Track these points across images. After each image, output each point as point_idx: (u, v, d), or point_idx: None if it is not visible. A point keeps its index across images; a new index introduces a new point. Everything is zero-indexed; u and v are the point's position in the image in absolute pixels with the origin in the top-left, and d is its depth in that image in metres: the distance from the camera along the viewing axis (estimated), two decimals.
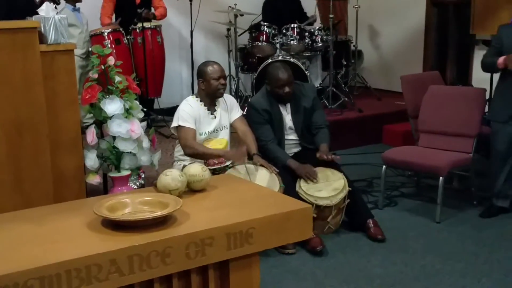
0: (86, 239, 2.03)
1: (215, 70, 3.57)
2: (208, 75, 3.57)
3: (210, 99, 3.64)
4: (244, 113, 4.01)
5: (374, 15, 7.30)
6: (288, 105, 3.94)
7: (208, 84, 3.58)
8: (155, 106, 5.87)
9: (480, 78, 5.34)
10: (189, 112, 3.56)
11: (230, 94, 6.14)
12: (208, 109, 3.65)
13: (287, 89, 3.80)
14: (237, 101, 5.83)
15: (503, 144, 3.93)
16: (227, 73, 6.22)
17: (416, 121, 4.45)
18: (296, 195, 3.55)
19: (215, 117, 3.67)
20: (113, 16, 5.64)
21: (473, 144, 4.13)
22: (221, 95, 3.64)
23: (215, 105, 3.68)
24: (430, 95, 4.38)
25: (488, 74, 5.14)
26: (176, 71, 6.60)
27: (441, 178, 3.94)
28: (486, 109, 4.34)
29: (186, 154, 3.55)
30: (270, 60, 5.72)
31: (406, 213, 4.17)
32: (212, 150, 3.52)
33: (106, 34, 5.29)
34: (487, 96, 4.59)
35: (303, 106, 3.93)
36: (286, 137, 3.94)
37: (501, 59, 3.82)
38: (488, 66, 3.99)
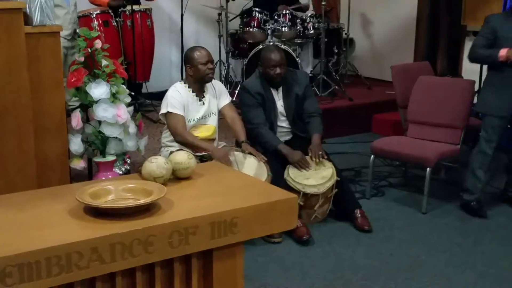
0: (68, 226, 2.00)
1: (202, 55, 3.52)
2: (195, 60, 3.53)
3: (198, 85, 3.60)
4: (234, 99, 3.98)
5: (367, 3, 7.27)
6: (280, 91, 3.91)
7: (196, 69, 3.54)
8: (143, 90, 5.81)
9: (470, 69, 5.34)
10: (177, 98, 3.52)
11: (220, 79, 6.11)
12: (197, 95, 3.61)
13: (278, 70, 3.77)
14: (227, 87, 5.85)
15: (495, 137, 3.85)
16: (217, 58, 6.19)
17: (405, 111, 4.45)
18: (284, 183, 3.54)
19: (203, 103, 3.63)
20: None
21: (461, 135, 4.13)
22: (210, 80, 3.61)
23: (204, 91, 3.64)
24: (419, 86, 4.37)
25: (478, 66, 5.13)
26: (166, 55, 6.54)
27: (428, 169, 3.94)
28: (475, 101, 4.33)
29: (176, 141, 3.52)
30: (261, 46, 5.68)
31: (393, 203, 4.18)
32: (201, 144, 3.48)
33: (94, 15, 5.22)
34: (476, 88, 4.58)
35: (295, 93, 3.91)
36: (278, 123, 3.91)
37: (503, 52, 3.65)
38: (483, 58, 3.84)
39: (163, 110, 3.55)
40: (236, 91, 5.84)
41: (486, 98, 3.90)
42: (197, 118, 3.62)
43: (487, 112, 3.88)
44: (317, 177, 3.65)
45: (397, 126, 5.05)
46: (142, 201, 2.10)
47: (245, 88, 3.86)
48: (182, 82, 3.66)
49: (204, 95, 3.65)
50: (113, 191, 2.21)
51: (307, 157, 3.74)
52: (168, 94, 3.57)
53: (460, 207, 4.02)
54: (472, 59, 3.93)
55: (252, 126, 3.78)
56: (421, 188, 4.06)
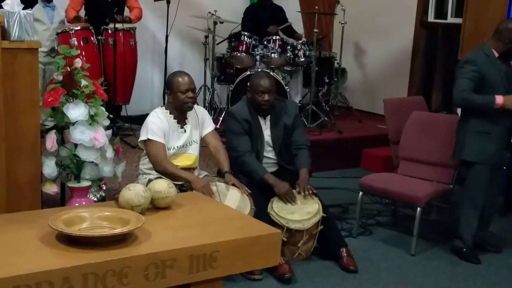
0: (39, 253, 2.02)
1: (183, 82, 3.56)
2: (175, 87, 3.58)
3: (179, 112, 3.65)
4: (217, 126, 4.03)
5: (361, 33, 7.42)
6: (268, 120, 3.97)
7: (175, 96, 3.59)
8: (123, 113, 5.86)
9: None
10: (158, 124, 3.57)
11: (204, 105, 6.18)
12: (178, 123, 3.66)
13: (266, 96, 3.83)
14: (211, 113, 5.91)
15: (484, 186, 3.91)
16: (202, 82, 6.27)
17: (397, 147, 4.52)
18: (268, 217, 3.58)
19: (185, 131, 3.69)
20: (83, 13, 5.62)
21: (453, 175, 4.22)
22: (189, 109, 3.65)
23: (186, 118, 3.70)
24: (412, 121, 4.46)
25: None
26: (148, 77, 6.61)
27: (418, 208, 4.01)
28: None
29: (155, 170, 3.55)
30: (248, 72, 5.77)
31: (380, 243, 4.22)
32: (182, 173, 3.51)
33: (73, 32, 5.27)
34: None
35: (284, 122, 3.97)
36: (264, 153, 3.97)
37: (500, 100, 3.72)
38: (477, 105, 3.78)
39: (142, 137, 3.59)
40: (221, 118, 5.91)
41: (474, 144, 3.89)
42: (177, 146, 3.66)
43: (478, 160, 3.88)
44: (302, 212, 3.70)
45: (388, 162, 5.12)
46: (118, 230, 2.13)
47: (232, 114, 3.93)
48: (163, 107, 3.70)
49: (186, 122, 3.70)
50: (88, 218, 2.24)
51: (294, 191, 3.79)
52: (148, 120, 3.61)
53: (451, 252, 4.08)
54: (461, 102, 3.89)
55: (237, 154, 3.83)
56: (410, 228, 4.12)
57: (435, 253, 4.09)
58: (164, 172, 3.48)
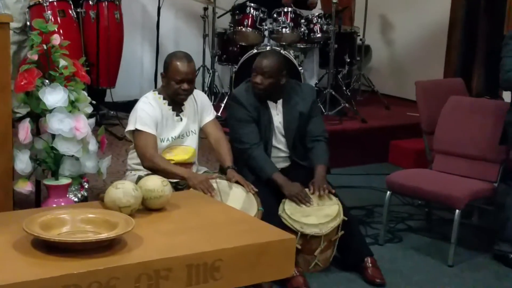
0: (12, 262, 2.04)
1: (180, 69, 3.55)
2: (170, 72, 3.58)
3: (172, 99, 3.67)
4: (219, 114, 4.03)
5: (388, 4, 7.41)
6: (280, 104, 3.97)
7: (168, 83, 3.60)
8: (107, 98, 5.87)
9: None
10: (149, 112, 3.57)
11: (203, 89, 6.19)
12: (173, 110, 3.67)
13: (258, 78, 3.80)
14: (211, 99, 5.91)
15: None
16: (200, 63, 6.27)
17: (431, 138, 4.52)
18: (278, 220, 3.59)
19: (181, 119, 3.70)
20: None
21: (498, 171, 4.20)
22: (181, 102, 3.66)
23: (182, 105, 3.71)
24: (450, 108, 4.46)
25: None
26: (137, 57, 6.62)
27: (457, 211, 4.01)
28: None
29: (144, 166, 3.57)
30: (255, 51, 5.77)
31: (412, 251, 4.23)
32: (176, 169, 3.52)
33: (47, 3, 5.26)
34: None
35: (298, 110, 3.97)
36: (274, 144, 3.97)
37: None
38: None
39: (130, 127, 3.60)
40: (222, 105, 5.92)
41: None
42: (172, 138, 3.67)
43: None
44: (320, 215, 3.71)
45: (420, 157, 5.13)
46: (104, 235, 2.15)
47: (236, 99, 3.93)
48: (156, 92, 3.71)
49: (183, 109, 3.71)
50: (69, 221, 2.26)
51: (307, 192, 3.79)
52: (137, 106, 3.62)
53: (494, 258, 4.08)
54: (509, 85, 3.98)
55: (243, 147, 3.83)
56: (447, 234, 4.11)
57: (477, 264, 4.09)
58: (155, 169, 3.49)
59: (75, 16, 5.44)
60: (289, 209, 3.72)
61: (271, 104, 3.95)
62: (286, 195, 3.77)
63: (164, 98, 3.66)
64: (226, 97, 5.93)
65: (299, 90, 4.04)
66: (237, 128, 3.88)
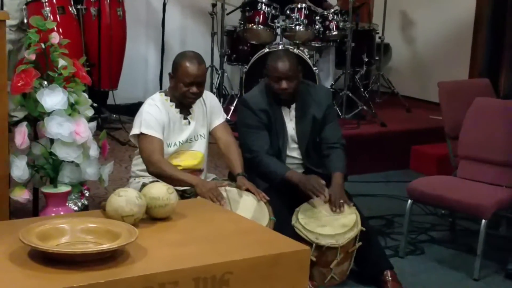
0: (8, 274, 2.04)
1: (189, 71, 3.56)
2: (179, 73, 3.58)
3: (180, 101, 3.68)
4: (229, 117, 4.03)
5: (409, 0, 7.39)
6: (293, 109, 3.97)
7: (176, 84, 3.60)
8: (109, 101, 5.90)
9: None
10: (155, 115, 3.58)
11: (212, 91, 6.18)
12: (181, 112, 3.68)
13: (284, 84, 3.83)
14: (220, 102, 5.90)
15: None
16: (208, 63, 6.27)
17: (455, 142, 4.51)
18: (292, 231, 3.59)
19: (189, 123, 3.70)
20: None
21: None
22: (189, 105, 3.67)
23: (190, 107, 3.72)
24: (475, 110, 4.44)
25: None
26: (141, 56, 6.64)
27: (483, 221, 3.99)
28: None
29: (149, 172, 3.57)
30: (267, 50, 5.77)
31: (435, 264, 4.22)
32: (183, 176, 3.53)
33: (45, 0, 5.30)
34: None
35: (312, 114, 3.97)
36: (287, 152, 3.97)
37: None
38: None
39: (135, 131, 3.60)
40: (232, 107, 5.93)
41: None
42: (180, 142, 3.68)
43: None
44: (336, 225, 3.70)
45: (444, 163, 5.11)
46: (106, 246, 2.15)
47: (246, 103, 3.93)
48: (163, 93, 3.72)
49: (191, 112, 3.72)
50: (69, 231, 2.27)
51: (324, 204, 3.77)
52: (143, 109, 3.63)
53: (506, 277, 4.05)
54: None
55: (252, 155, 3.83)
56: (473, 246, 4.10)
57: (505, 278, 4.07)
58: (161, 175, 3.50)
59: (75, 13, 5.47)
60: (303, 219, 3.71)
61: (284, 109, 3.95)
62: (303, 189, 3.74)
63: (171, 100, 3.67)
64: (236, 100, 5.94)
65: (313, 92, 4.03)
66: (246, 135, 3.88)
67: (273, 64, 3.86)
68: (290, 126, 3.97)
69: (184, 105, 3.67)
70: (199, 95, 3.65)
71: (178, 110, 3.68)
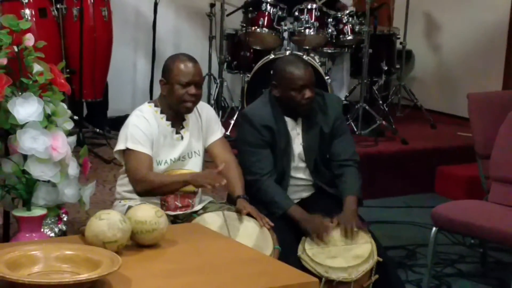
0: None
1: (185, 70, 3.57)
2: (173, 75, 3.58)
3: (174, 111, 3.67)
4: (228, 132, 4.03)
5: (434, 1, 7.41)
6: (300, 122, 3.96)
7: (171, 89, 3.59)
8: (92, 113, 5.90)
9: None
10: (143, 129, 3.57)
11: (209, 102, 6.19)
12: (173, 126, 3.68)
13: (308, 93, 3.83)
14: (219, 115, 5.91)
15: None
16: (205, 71, 6.28)
17: (487, 162, 4.50)
18: (298, 263, 3.58)
19: (182, 138, 3.70)
20: None
21: None
22: (188, 111, 3.66)
23: (184, 120, 3.72)
24: (509, 126, 4.44)
25: None
26: (128, 63, 6.66)
27: None
28: None
29: (137, 193, 3.57)
30: (272, 56, 5.78)
31: None
32: (174, 177, 3.55)
33: (26, 1, 5.32)
34: None
35: (320, 126, 3.96)
36: (293, 172, 3.97)
37: None
38: None
39: (120, 146, 3.60)
40: (232, 122, 5.93)
41: None
42: (171, 160, 3.67)
43: None
44: (348, 256, 3.69)
45: (474, 185, 5.12)
46: (85, 276, 2.14)
47: (248, 118, 3.92)
48: (152, 104, 3.72)
49: (184, 125, 3.72)
50: (42, 259, 2.26)
51: (337, 232, 3.76)
52: (129, 121, 3.62)
53: None
54: None
55: (252, 178, 3.83)
56: (506, 280, 4.10)
57: None
58: (151, 190, 3.50)
59: (56, 14, 5.48)
60: (310, 250, 3.70)
61: (290, 123, 3.93)
62: (303, 232, 3.74)
63: (161, 112, 3.66)
64: (237, 113, 5.94)
65: (320, 100, 4.01)
66: (247, 154, 3.87)
67: (294, 71, 3.83)
68: (297, 142, 3.95)
69: (179, 115, 3.66)
70: (197, 98, 3.64)
71: (169, 123, 3.67)
